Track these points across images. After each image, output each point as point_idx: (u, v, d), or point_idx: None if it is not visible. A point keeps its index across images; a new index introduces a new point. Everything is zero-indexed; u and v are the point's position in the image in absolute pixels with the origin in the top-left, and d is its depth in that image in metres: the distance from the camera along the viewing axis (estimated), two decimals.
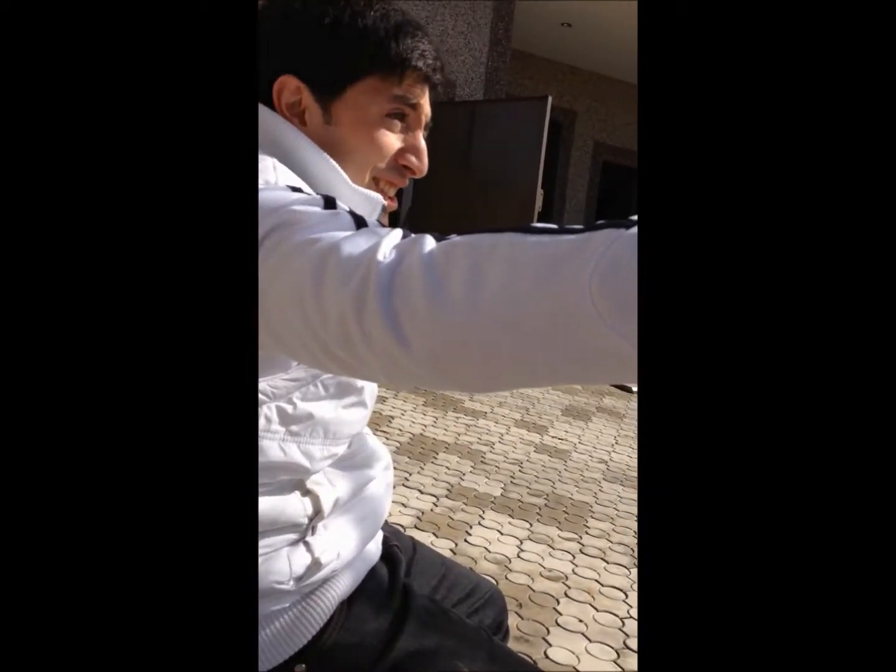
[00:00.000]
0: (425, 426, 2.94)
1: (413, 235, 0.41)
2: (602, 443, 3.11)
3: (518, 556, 1.83)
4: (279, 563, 0.59)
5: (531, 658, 1.36)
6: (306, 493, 0.62)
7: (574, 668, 1.36)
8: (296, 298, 0.40)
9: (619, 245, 0.32)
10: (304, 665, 0.60)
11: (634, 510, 2.31)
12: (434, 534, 1.90)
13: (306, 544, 0.61)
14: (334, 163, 0.60)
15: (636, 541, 2.05)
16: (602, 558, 1.90)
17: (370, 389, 0.68)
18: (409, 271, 0.37)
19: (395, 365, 0.38)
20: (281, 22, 0.61)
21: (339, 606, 0.64)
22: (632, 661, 1.41)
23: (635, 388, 4.10)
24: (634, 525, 2.18)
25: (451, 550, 1.81)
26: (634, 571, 1.84)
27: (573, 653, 1.41)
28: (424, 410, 3.18)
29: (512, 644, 1.40)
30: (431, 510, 2.05)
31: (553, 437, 3.08)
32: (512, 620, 1.49)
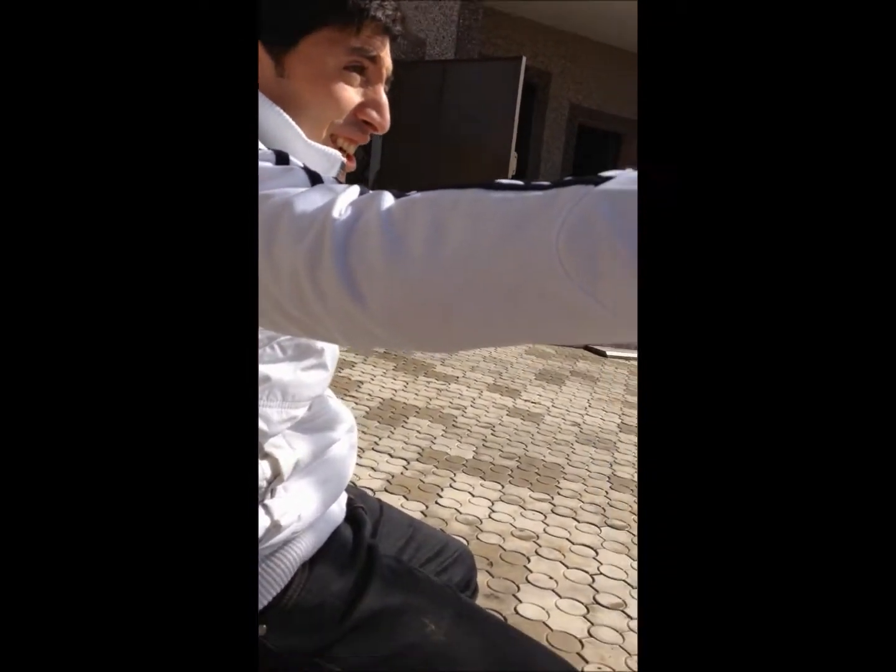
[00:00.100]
0: (395, 391, 2.92)
1: (371, 192, 0.39)
2: (575, 406, 3.13)
3: (489, 517, 1.84)
4: None
5: (501, 614, 1.37)
6: (264, 456, 0.61)
7: (544, 622, 1.37)
8: None
9: (588, 202, 0.31)
10: (264, 626, 0.59)
11: (606, 471, 2.34)
12: (405, 496, 1.90)
13: (265, 507, 0.60)
14: (287, 117, 0.57)
15: (607, 501, 2.08)
16: (573, 517, 1.92)
17: (331, 351, 0.67)
18: (366, 228, 0.36)
19: (352, 324, 0.37)
20: None
21: (301, 568, 0.63)
22: (601, 616, 1.43)
23: (609, 352, 4.14)
24: (606, 485, 2.21)
25: (422, 513, 1.81)
26: (605, 530, 1.87)
27: (543, 608, 1.42)
28: (395, 375, 3.16)
29: (482, 601, 1.42)
30: (402, 473, 2.05)
31: (526, 400, 3.10)
32: (483, 578, 1.50)
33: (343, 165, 0.64)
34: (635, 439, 2.77)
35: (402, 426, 2.49)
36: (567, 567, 1.63)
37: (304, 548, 0.63)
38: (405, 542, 0.85)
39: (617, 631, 1.39)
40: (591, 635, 1.36)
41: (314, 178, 0.40)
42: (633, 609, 1.48)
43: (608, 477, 2.29)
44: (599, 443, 2.65)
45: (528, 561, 1.63)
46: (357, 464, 2.06)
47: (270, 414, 0.61)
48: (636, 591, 1.56)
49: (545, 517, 1.90)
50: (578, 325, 0.34)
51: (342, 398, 2.64)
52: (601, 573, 1.62)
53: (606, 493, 2.15)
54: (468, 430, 2.57)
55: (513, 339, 0.39)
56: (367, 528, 0.72)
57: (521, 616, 1.39)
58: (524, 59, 4.64)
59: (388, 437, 2.35)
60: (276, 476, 0.62)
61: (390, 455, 2.18)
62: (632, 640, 1.36)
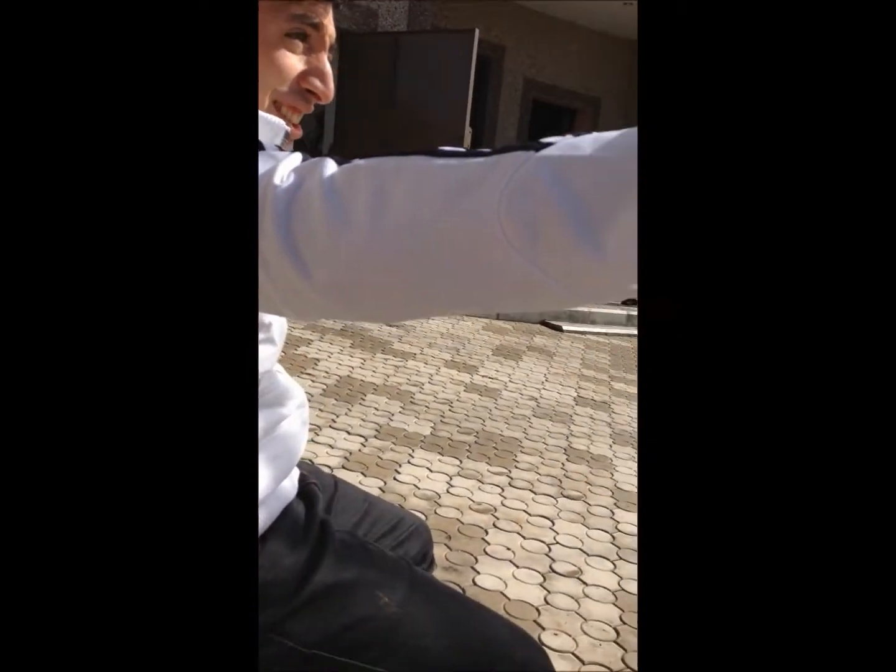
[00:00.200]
0: (353, 368, 2.90)
1: (313, 159, 0.38)
2: (532, 381, 3.16)
3: (447, 492, 1.85)
4: None
5: (460, 586, 1.39)
6: None
7: (501, 592, 1.39)
8: None
9: (528, 168, 0.31)
10: None
11: (562, 444, 2.38)
12: (363, 473, 1.89)
13: None
14: None
15: (563, 472, 2.11)
16: (530, 490, 1.95)
17: (278, 325, 0.65)
18: (308, 196, 0.35)
19: (296, 294, 0.36)
20: None
21: None
22: (557, 584, 1.46)
23: (565, 327, 4.18)
24: (562, 458, 2.24)
25: (380, 489, 1.81)
26: (561, 501, 1.90)
27: (500, 579, 1.44)
28: (352, 352, 3.14)
29: (441, 574, 1.43)
30: (360, 450, 2.04)
31: (483, 376, 3.11)
32: (441, 552, 1.52)
33: (287, 134, 0.62)
34: (591, 412, 2.82)
35: (360, 403, 2.47)
36: (524, 538, 1.65)
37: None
38: (360, 517, 0.85)
39: (572, 597, 1.42)
40: (547, 603, 1.38)
41: None
42: (587, 576, 1.52)
43: (564, 449, 2.32)
44: (556, 416, 2.69)
45: (486, 533, 1.65)
46: (314, 441, 2.04)
47: None
48: (590, 557, 1.60)
49: (503, 490, 1.92)
50: (521, 293, 0.34)
51: (299, 376, 2.61)
52: (557, 542, 1.65)
53: (562, 465, 2.18)
54: (426, 406, 2.57)
55: (457, 308, 0.39)
56: (320, 503, 0.72)
57: (480, 587, 1.40)
58: (477, 31, 4.58)
59: (346, 414, 2.33)
60: None
61: (348, 432, 2.17)
62: (587, 606, 1.39)
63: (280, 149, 0.42)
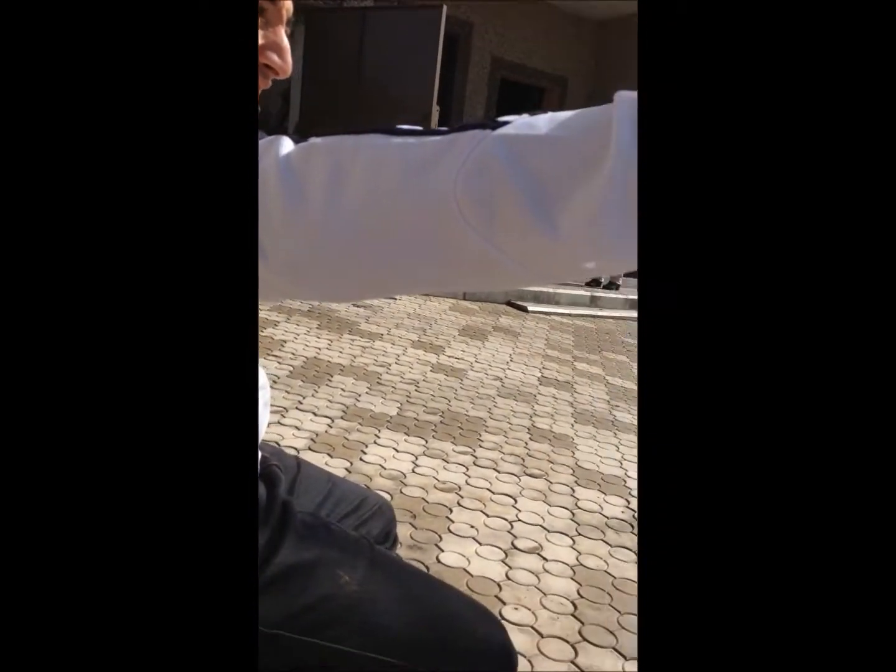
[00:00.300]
0: (319, 349, 2.90)
1: (268, 137, 0.38)
2: (498, 361, 3.20)
3: (413, 472, 1.88)
4: None
5: (424, 564, 1.42)
6: None
7: (464, 569, 1.43)
8: None
9: (484, 146, 0.31)
10: None
11: (526, 423, 2.42)
12: (329, 455, 1.90)
13: None
14: None
15: (526, 451, 2.15)
16: (494, 469, 1.98)
17: None
18: (264, 175, 0.35)
19: None
20: None
21: None
22: (519, 560, 1.50)
23: (531, 307, 4.21)
24: (526, 437, 2.28)
25: (347, 470, 1.83)
26: (524, 479, 1.94)
27: (464, 556, 1.48)
28: (318, 333, 3.13)
29: (406, 552, 1.46)
30: (326, 432, 2.06)
31: (450, 356, 3.14)
32: (406, 531, 1.54)
33: None
34: (554, 391, 2.87)
35: (327, 385, 2.48)
36: (487, 516, 1.69)
37: None
38: (324, 497, 0.86)
39: (532, 573, 1.46)
40: (508, 578, 1.42)
41: None
42: (548, 552, 1.56)
43: (528, 428, 2.37)
44: (520, 396, 2.73)
45: (451, 512, 1.68)
46: (281, 423, 2.05)
47: None
48: (550, 534, 1.64)
49: (467, 469, 1.95)
50: (479, 272, 0.34)
51: (265, 358, 2.60)
52: (519, 520, 1.70)
53: (526, 443, 2.22)
54: (392, 387, 2.58)
55: (415, 288, 0.39)
56: (281, 485, 0.73)
57: (443, 564, 1.43)
58: (444, 7, 4.54)
59: (313, 395, 2.34)
60: None
61: (314, 414, 2.18)
62: (546, 581, 1.44)
63: None
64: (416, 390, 2.59)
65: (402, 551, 1.46)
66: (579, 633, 1.28)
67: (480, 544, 1.54)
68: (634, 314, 5.31)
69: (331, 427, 2.10)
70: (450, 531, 1.58)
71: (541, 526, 1.68)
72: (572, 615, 1.33)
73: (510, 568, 1.46)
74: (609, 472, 2.10)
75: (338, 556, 0.63)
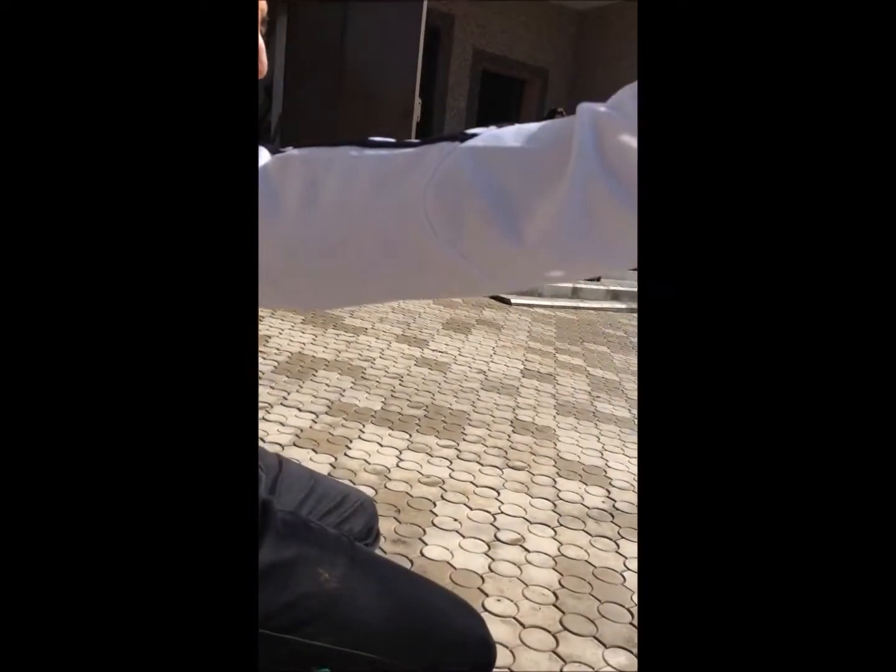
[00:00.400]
0: (304, 344, 2.90)
1: None
2: (481, 354, 3.22)
3: (397, 466, 1.90)
4: None
5: (408, 558, 1.44)
6: None
7: (447, 562, 1.45)
8: None
9: (453, 158, 0.32)
10: None
11: (509, 415, 2.44)
12: (313, 450, 1.92)
13: None
14: None
15: (509, 444, 2.18)
16: (477, 462, 2.01)
17: None
18: None
19: None
20: None
21: None
22: (501, 552, 1.52)
23: (514, 300, 4.23)
24: (508, 429, 2.30)
25: (331, 465, 1.84)
26: (506, 471, 1.97)
27: (447, 549, 1.50)
28: (303, 328, 3.13)
29: (390, 546, 1.47)
30: (311, 427, 2.07)
31: (433, 350, 3.15)
32: (391, 525, 1.56)
33: None
34: (536, 383, 2.90)
35: (312, 380, 2.48)
36: (471, 509, 1.71)
37: None
38: (305, 494, 0.88)
39: (515, 564, 1.49)
40: (491, 570, 1.45)
41: None
42: (530, 543, 1.59)
43: (510, 421, 2.39)
44: (503, 388, 2.75)
45: (434, 505, 1.70)
46: (265, 419, 2.05)
47: None
48: (533, 525, 1.67)
49: (451, 463, 1.97)
50: (446, 281, 0.35)
51: None
52: (502, 512, 1.72)
53: (509, 436, 2.25)
54: (377, 381, 2.60)
55: (387, 296, 0.40)
56: (261, 483, 0.74)
57: (427, 558, 1.45)
58: (425, 0, 4.52)
59: (297, 391, 2.35)
60: None
61: (299, 409, 2.19)
62: (528, 572, 1.47)
63: None
64: (400, 384, 2.60)
65: (386, 546, 1.48)
66: (560, 622, 1.31)
67: (464, 537, 1.57)
68: (616, 304, 5.35)
69: (315, 422, 2.11)
70: (433, 525, 1.60)
71: (523, 518, 1.71)
72: (553, 605, 1.36)
73: (493, 560, 1.49)
74: (590, 463, 2.13)
75: (317, 554, 0.64)
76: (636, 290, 4.95)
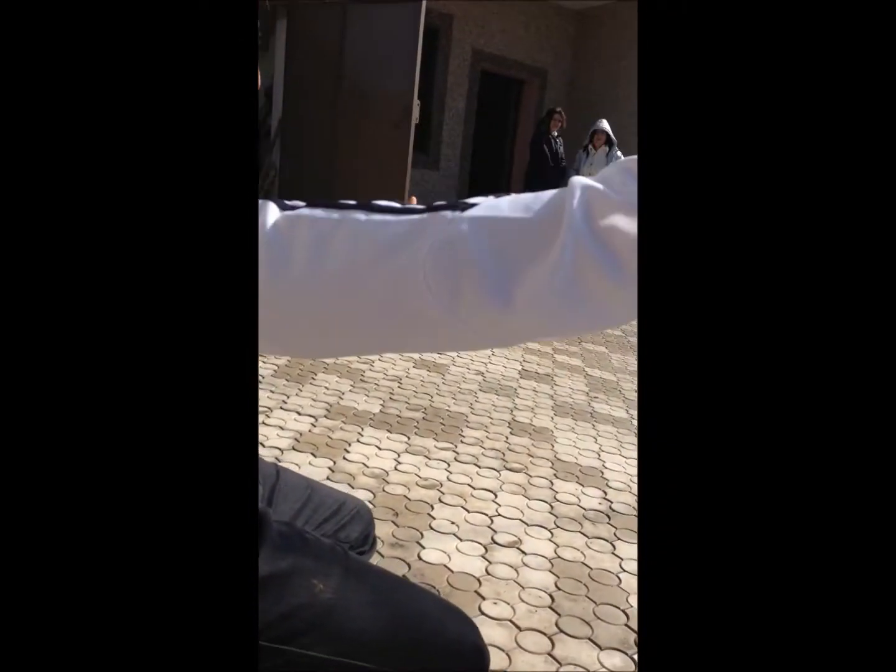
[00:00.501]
0: None
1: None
2: (479, 355, 3.23)
3: (396, 469, 1.91)
4: None
5: (405, 561, 1.46)
6: None
7: (445, 565, 1.47)
8: None
9: (453, 228, 0.35)
10: None
11: (506, 417, 2.46)
12: (312, 454, 1.93)
13: None
14: None
15: (507, 445, 2.19)
16: (475, 464, 2.02)
17: None
18: None
19: None
20: None
21: None
22: (498, 555, 1.54)
23: None
24: (506, 431, 2.32)
25: (330, 468, 1.86)
26: (504, 473, 1.98)
27: (445, 552, 1.52)
28: None
29: (387, 550, 1.49)
30: (310, 431, 2.08)
31: None
32: (388, 529, 1.58)
33: None
34: (534, 384, 2.91)
35: (311, 383, 2.50)
36: (468, 511, 1.73)
37: None
38: (303, 503, 0.89)
39: (512, 567, 1.50)
40: (488, 573, 1.46)
41: None
42: (526, 545, 1.60)
43: (508, 423, 2.41)
44: (501, 390, 2.77)
45: (432, 509, 1.72)
46: (265, 423, 2.07)
47: None
48: (529, 527, 1.68)
49: (448, 465, 1.99)
50: (440, 338, 0.38)
51: None
52: (499, 514, 1.74)
53: (506, 438, 2.26)
54: (376, 383, 2.61)
55: (378, 351, 0.42)
56: (258, 494, 0.76)
57: (424, 561, 1.47)
58: (424, 1, 4.53)
59: (297, 394, 2.36)
60: None
61: (298, 413, 2.20)
62: (525, 575, 1.48)
63: None
64: (398, 387, 2.62)
65: (384, 550, 1.50)
66: (556, 624, 1.32)
67: (461, 540, 1.58)
68: None
69: (314, 426, 2.12)
70: (431, 528, 1.62)
71: (520, 520, 1.72)
72: (549, 607, 1.37)
73: (490, 563, 1.51)
74: (587, 464, 2.15)
75: (312, 565, 0.66)
76: None
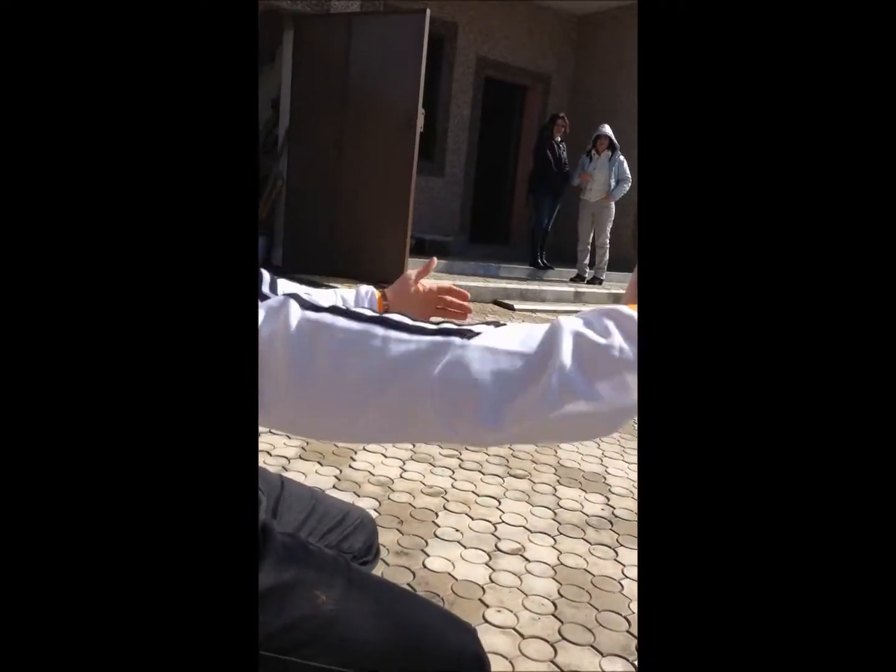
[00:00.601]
0: None
1: (277, 298, 0.44)
2: None
3: (401, 477, 1.94)
4: None
5: (410, 570, 1.48)
6: None
7: (449, 573, 1.49)
8: None
9: (458, 355, 0.40)
10: None
11: None
12: (319, 462, 1.96)
13: None
14: None
15: (511, 452, 2.21)
16: (479, 471, 2.04)
17: None
18: (275, 341, 0.42)
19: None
20: None
21: None
22: (502, 562, 1.56)
23: (517, 305, 4.23)
24: None
25: (336, 477, 1.88)
26: (507, 480, 2.00)
27: (449, 560, 1.54)
28: None
29: (392, 558, 1.51)
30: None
31: None
32: (394, 537, 1.60)
33: None
34: None
35: None
36: (472, 518, 1.75)
37: None
38: (307, 514, 0.91)
39: (515, 574, 1.52)
40: (492, 581, 1.48)
41: None
42: (530, 553, 1.62)
43: None
44: None
45: (437, 516, 1.74)
46: (272, 433, 2.10)
47: None
48: (533, 534, 1.70)
49: (453, 472, 2.01)
50: (430, 438, 0.44)
51: None
52: (503, 521, 1.75)
53: (510, 446, 2.28)
54: None
55: (378, 441, 0.48)
56: (262, 506, 0.78)
57: (429, 569, 1.49)
58: (428, 11, 4.57)
59: None
60: None
61: None
62: (528, 582, 1.50)
63: None
64: None
65: (389, 558, 1.52)
66: (559, 632, 1.34)
67: (465, 548, 1.60)
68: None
69: None
70: (436, 536, 1.64)
71: (524, 527, 1.74)
72: (552, 615, 1.39)
73: (493, 570, 1.52)
74: (590, 470, 2.16)
75: (315, 577, 0.68)
76: None
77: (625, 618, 1.41)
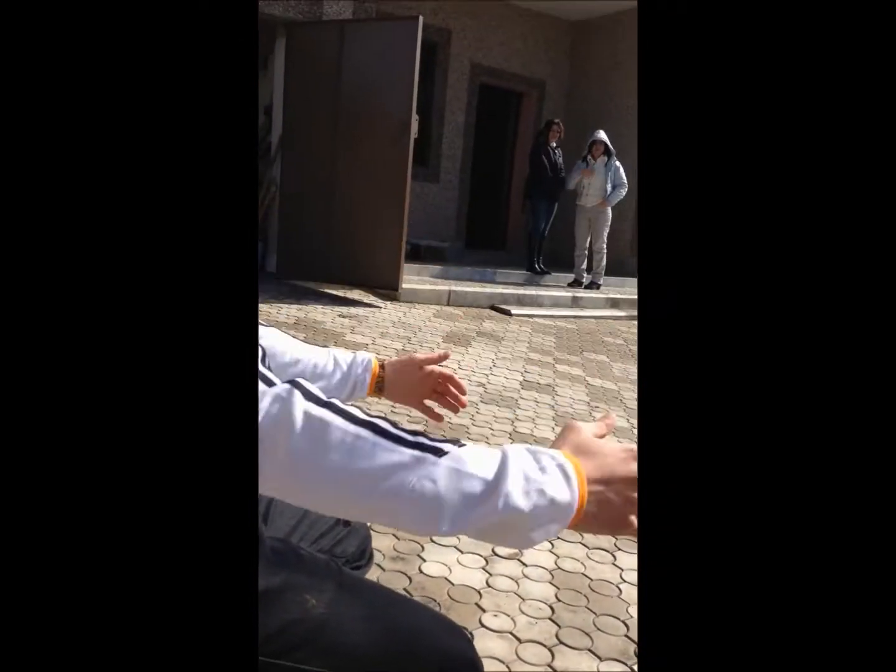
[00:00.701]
0: None
1: (283, 386, 0.50)
2: (481, 366, 3.25)
3: None
4: None
5: (406, 574, 1.46)
6: None
7: (445, 578, 1.47)
8: None
9: (429, 470, 0.47)
10: None
11: (507, 428, 2.47)
12: None
13: None
14: None
15: None
16: None
17: None
18: (283, 422, 0.48)
19: None
20: None
21: None
22: (499, 567, 1.55)
23: (514, 311, 4.24)
24: (507, 441, 2.33)
25: None
26: None
27: (445, 565, 1.52)
28: None
29: (389, 564, 1.50)
30: None
31: None
32: (389, 542, 1.59)
33: None
34: (535, 395, 2.92)
35: None
36: None
37: None
38: (298, 520, 0.90)
39: (512, 579, 1.51)
40: (488, 585, 1.47)
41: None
42: (527, 557, 1.61)
43: (509, 434, 2.42)
44: (502, 401, 2.78)
45: None
46: None
47: None
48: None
49: None
50: (402, 529, 0.52)
51: None
52: None
53: None
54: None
55: (362, 519, 0.51)
56: None
57: (425, 574, 1.48)
58: (421, 18, 4.59)
59: None
60: None
61: None
62: (525, 587, 1.49)
63: None
64: None
65: (385, 563, 1.50)
66: (556, 636, 1.33)
67: (462, 552, 1.59)
68: (615, 312, 5.37)
69: None
70: (432, 540, 1.63)
71: None
72: (550, 619, 1.38)
73: (490, 575, 1.51)
74: None
75: (306, 581, 0.67)
76: (636, 297, 4.99)
77: (623, 622, 1.40)
